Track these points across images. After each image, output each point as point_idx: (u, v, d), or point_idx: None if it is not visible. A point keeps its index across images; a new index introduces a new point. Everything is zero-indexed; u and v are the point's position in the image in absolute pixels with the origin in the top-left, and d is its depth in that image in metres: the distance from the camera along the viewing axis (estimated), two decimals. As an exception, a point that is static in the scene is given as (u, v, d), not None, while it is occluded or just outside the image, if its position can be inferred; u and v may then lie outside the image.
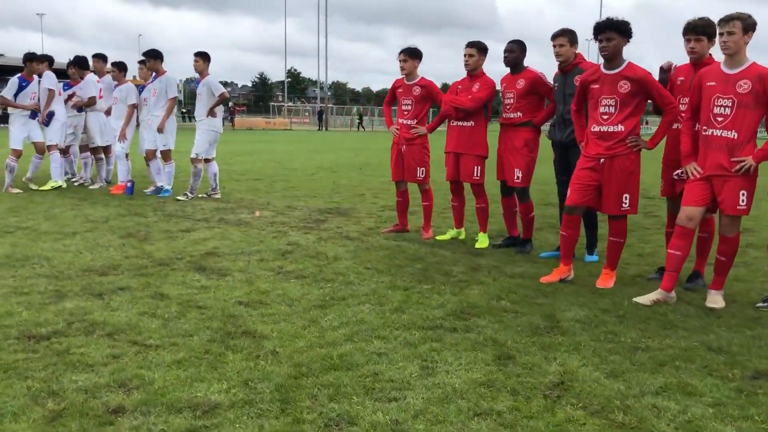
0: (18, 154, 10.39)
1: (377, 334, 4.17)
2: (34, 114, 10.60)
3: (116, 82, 10.80)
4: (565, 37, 6.13)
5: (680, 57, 5.70)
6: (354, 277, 5.59)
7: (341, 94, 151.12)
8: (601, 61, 5.51)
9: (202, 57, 9.92)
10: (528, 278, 5.72)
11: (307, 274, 5.63)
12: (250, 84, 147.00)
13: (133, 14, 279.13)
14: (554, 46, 6.17)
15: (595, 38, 5.39)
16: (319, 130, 60.28)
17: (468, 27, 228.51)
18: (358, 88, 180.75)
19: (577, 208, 5.58)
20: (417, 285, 5.37)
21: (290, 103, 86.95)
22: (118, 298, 4.82)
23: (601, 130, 5.40)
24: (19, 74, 10.48)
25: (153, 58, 10.08)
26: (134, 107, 10.62)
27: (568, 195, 5.57)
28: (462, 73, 7.08)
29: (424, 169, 7.48)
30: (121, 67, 10.81)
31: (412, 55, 7.36)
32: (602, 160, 5.40)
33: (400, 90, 7.50)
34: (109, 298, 4.83)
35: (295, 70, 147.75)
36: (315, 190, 11.67)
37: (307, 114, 76.81)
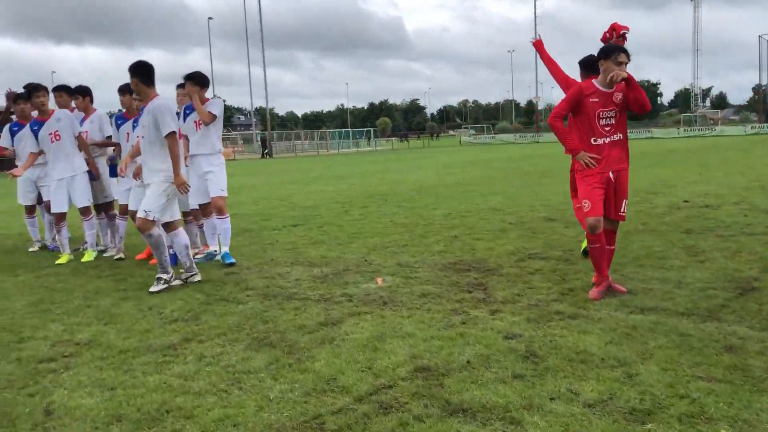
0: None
1: None
2: (92, 174, 8.52)
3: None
4: None
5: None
6: (723, 407, 3.43)
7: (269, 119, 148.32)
8: None
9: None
10: None
11: (649, 408, 3.43)
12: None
13: (33, 53, 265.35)
14: None
15: None
16: (262, 157, 57.46)
17: (378, 47, 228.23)
18: (282, 113, 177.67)
19: None
20: None
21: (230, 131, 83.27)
22: None
23: None
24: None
25: (200, 84, 7.60)
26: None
27: None
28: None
29: (626, 201, 5.64)
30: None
31: (620, 53, 5.40)
32: None
33: (595, 99, 5.46)
34: None
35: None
36: (388, 234, 9.40)
37: (241, 142, 73.68)
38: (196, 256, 8.15)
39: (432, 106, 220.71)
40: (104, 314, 5.66)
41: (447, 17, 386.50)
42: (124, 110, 8.47)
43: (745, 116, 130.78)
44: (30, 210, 9.38)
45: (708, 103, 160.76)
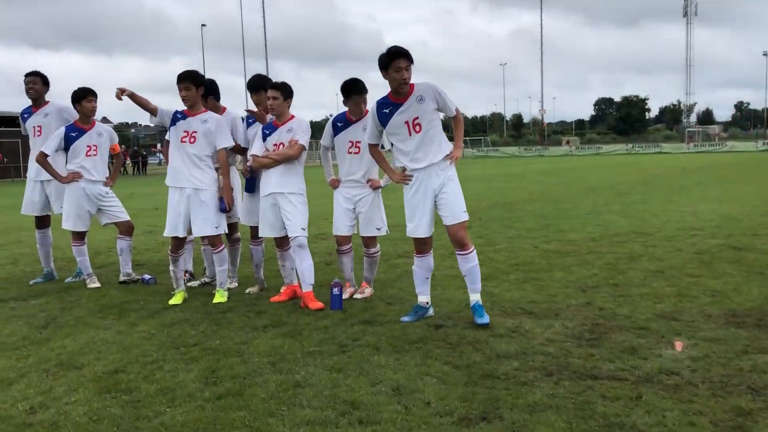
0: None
1: None
2: (222, 204, 6.58)
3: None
4: None
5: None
6: None
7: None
8: None
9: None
10: None
11: None
12: (152, 125, 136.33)
13: (8, 58, 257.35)
14: None
15: None
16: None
17: (358, 59, 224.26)
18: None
19: None
20: None
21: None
22: None
23: None
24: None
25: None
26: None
27: None
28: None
29: None
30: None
31: None
32: None
33: None
34: None
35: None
36: (564, 267, 7.64)
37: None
38: (356, 296, 6.34)
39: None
40: (342, 403, 3.80)
41: (425, 31, 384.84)
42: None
43: (734, 132, 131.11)
44: (80, 237, 7.44)
45: (694, 119, 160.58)
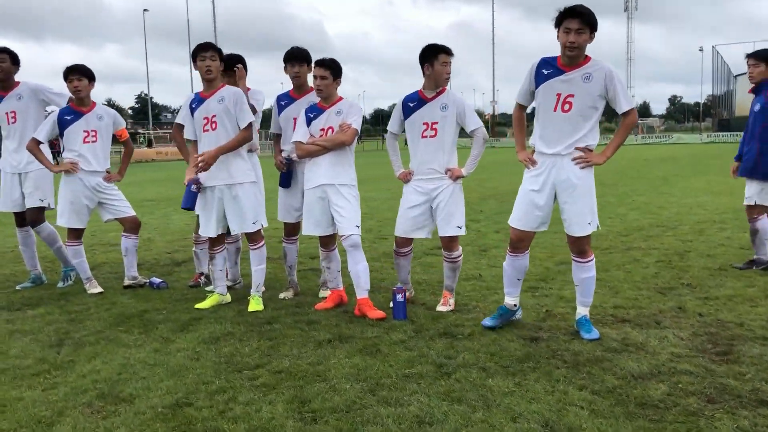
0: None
1: None
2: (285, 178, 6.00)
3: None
4: None
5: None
6: None
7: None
8: None
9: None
10: None
11: None
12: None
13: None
14: None
15: None
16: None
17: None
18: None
19: None
20: None
21: (157, 130, 77.58)
22: None
23: None
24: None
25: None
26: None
27: None
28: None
29: None
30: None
31: None
32: None
33: None
34: None
35: (145, 95, 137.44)
36: (622, 264, 7.04)
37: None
38: (439, 308, 5.52)
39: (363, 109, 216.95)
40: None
41: (368, 23, 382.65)
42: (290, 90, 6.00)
43: (671, 125, 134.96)
44: (76, 235, 6.47)
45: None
